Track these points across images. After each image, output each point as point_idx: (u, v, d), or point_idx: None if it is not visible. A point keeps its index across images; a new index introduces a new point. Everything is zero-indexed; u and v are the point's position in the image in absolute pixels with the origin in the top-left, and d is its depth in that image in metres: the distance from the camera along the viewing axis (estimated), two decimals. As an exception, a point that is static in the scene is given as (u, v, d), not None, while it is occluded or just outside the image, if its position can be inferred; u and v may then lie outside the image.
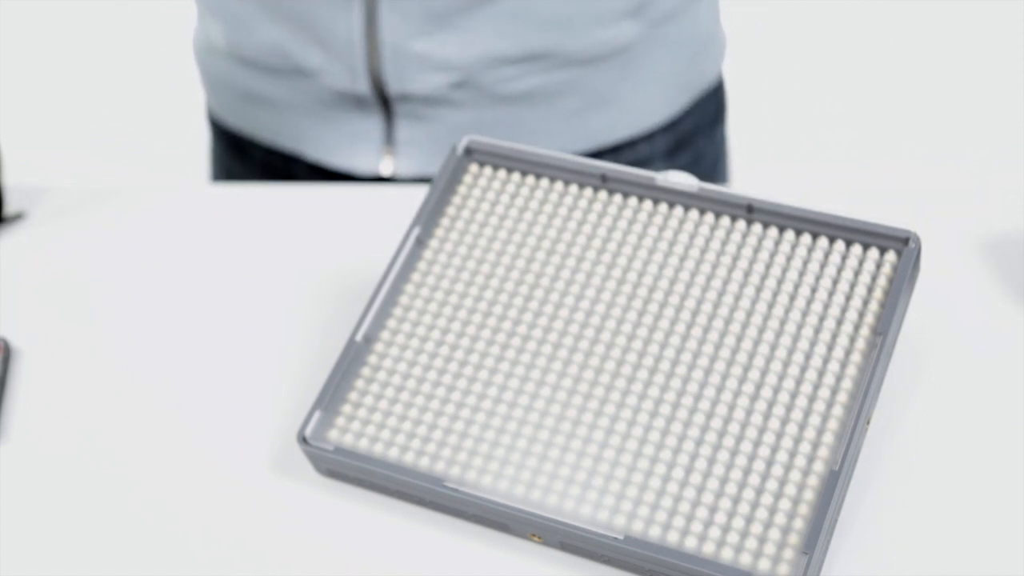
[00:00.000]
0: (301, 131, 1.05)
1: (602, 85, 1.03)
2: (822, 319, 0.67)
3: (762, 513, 0.62)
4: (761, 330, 0.67)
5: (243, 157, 1.12)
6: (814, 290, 0.68)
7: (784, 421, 0.64)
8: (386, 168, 1.04)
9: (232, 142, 1.13)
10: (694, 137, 1.11)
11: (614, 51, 1.01)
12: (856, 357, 0.65)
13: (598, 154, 1.04)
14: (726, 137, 1.18)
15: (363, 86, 0.99)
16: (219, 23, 1.04)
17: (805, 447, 0.63)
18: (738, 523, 0.61)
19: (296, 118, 1.05)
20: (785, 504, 0.62)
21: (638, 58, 1.03)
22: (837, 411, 0.64)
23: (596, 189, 0.73)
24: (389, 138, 1.03)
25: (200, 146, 1.22)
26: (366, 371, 0.70)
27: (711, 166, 1.15)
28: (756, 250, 0.70)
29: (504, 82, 1.00)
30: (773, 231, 0.70)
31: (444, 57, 0.98)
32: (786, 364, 0.66)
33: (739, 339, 0.67)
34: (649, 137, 1.07)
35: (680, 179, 0.72)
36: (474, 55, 0.98)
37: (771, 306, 0.68)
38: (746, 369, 0.66)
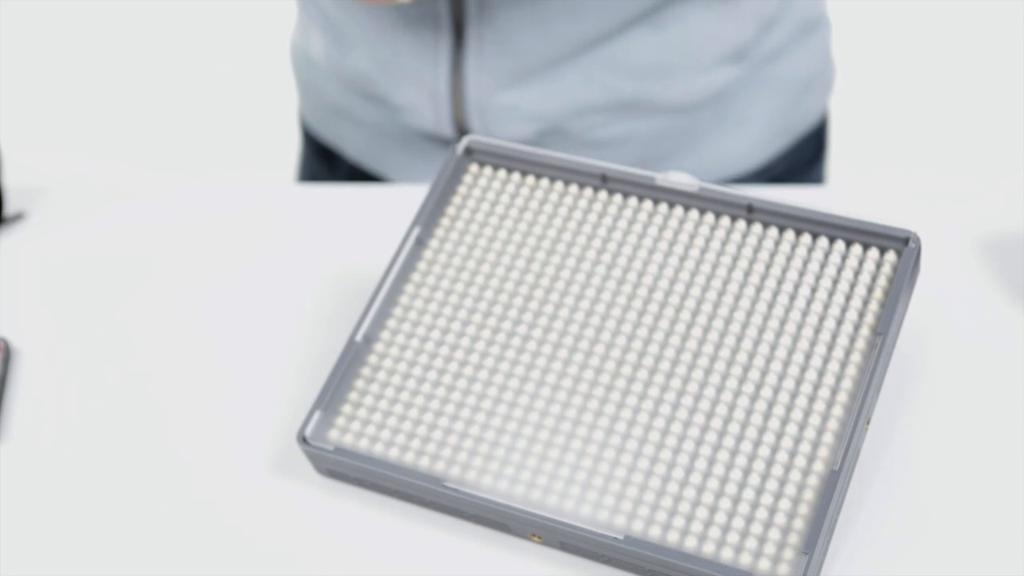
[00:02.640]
0: (388, 155, 1.04)
1: (695, 130, 0.98)
2: (822, 319, 0.67)
3: (762, 513, 0.62)
4: (761, 330, 0.67)
5: (330, 166, 1.11)
6: (814, 290, 0.68)
7: (784, 421, 0.64)
8: None
9: (320, 150, 1.12)
10: (787, 178, 1.05)
11: (710, 97, 0.97)
12: (856, 357, 0.65)
13: None
14: (824, 176, 1.11)
15: (448, 130, 0.98)
16: (320, 37, 1.02)
17: (805, 447, 0.63)
18: (738, 523, 0.61)
19: (384, 142, 1.03)
20: (785, 504, 0.62)
21: (735, 102, 0.98)
22: (837, 411, 0.64)
23: (596, 189, 0.73)
24: None
25: (200, 146, 1.22)
26: (366, 371, 0.70)
27: (811, 166, 1.09)
28: (756, 250, 0.70)
29: (592, 128, 0.97)
30: (773, 231, 0.70)
31: (531, 108, 0.95)
32: (786, 364, 0.66)
33: (739, 339, 0.67)
34: (737, 181, 1.02)
35: (680, 179, 0.72)
36: (562, 105, 0.95)
37: (771, 306, 0.68)
38: (746, 369, 0.66)
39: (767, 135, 1.02)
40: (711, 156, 1.00)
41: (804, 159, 1.07)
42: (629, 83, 0.95)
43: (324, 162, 1.12)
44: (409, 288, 0.72)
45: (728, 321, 0.67)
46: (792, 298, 0.68)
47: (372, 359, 0.70)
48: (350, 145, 1.07)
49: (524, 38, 0.92)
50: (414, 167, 1.03)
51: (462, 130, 0.97)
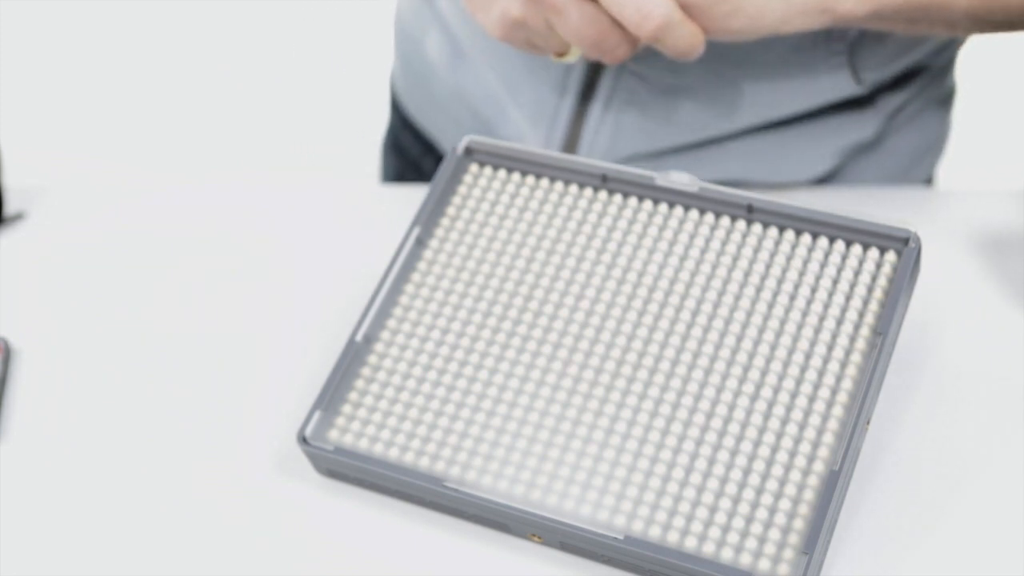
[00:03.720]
0: None
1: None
2: (822, 319, 0.67)
3: (762, 513, 0.62)
4: (761, 330, 0.67)
5: (421, 147, 1.08)
6: (814, 290, 0.68)
7: (784, 421, 0.64)
8: None
9: (414, 132, 1.09)
10: None
11: (819, 177, 0.96)
12: (856, 357, 0.65)
13: None
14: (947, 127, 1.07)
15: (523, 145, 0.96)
16: (440, 36, 0.99)
17: (805, 447, 0.63)
18: (738, 523, 0.61)
19: None
20: (785, 504, 0.62)
21: (842, 172, 0.97)
22: (837, 411, 0.64)
23: (596, 189, 0.73)
24: None
25: (200, 145, 1.22)
26: (366, 371, 0.70)
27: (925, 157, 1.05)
28: (756, 250, 0.70)
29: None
30: (773, 231, 0.70)
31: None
32: (786, 364, 0.66)
33: (739, 339, 0.67)
34: None
35: (680, 179, 0.72)
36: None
37: (771, 306, 0.68)
38: (746, 369, 0.66)
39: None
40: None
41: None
42: (741, 168, 0.94)
43: (419, 146, 1.09)
44: (409, 288, 0.72)
45: (728, 321, 0.67)
46: (792, 298, 0.68)
47: (372, 359, 0.70)
48: (446, 140, 1.05)
49: (644, 125, 0.91)
50: None
51: None
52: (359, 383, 0.70)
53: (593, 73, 0.90)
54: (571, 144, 0.93)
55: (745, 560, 0.60)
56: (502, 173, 0.75)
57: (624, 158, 0.93)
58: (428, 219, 0.74)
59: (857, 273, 0.68)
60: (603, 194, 0.73)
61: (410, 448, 0.67)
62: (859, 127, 0.93)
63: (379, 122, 1.21)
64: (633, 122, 0.91)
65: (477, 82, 0.97)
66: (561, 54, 0.78)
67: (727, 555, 0.61)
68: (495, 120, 0.98)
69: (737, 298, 0.68)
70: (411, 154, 1.11)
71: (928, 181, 1.05)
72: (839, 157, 0.95)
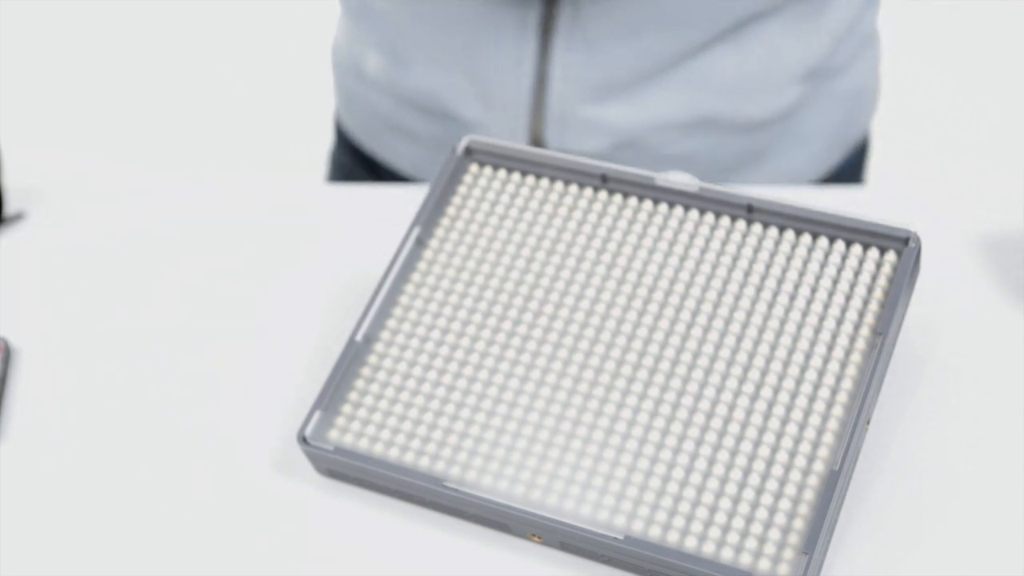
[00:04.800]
0: None
1: (761, 145, 1.00)
2: (822, 319, 0.67)
3: (762, 513, 0.62)
4: (761, 330, 0.67)
5: (376, 178, 1.09)
6: (814, 290, 0.68)
7: (784, 421, 0.64)
8: None
9: (363, 159, 1.10)
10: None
11: (781, 114, 0.99)
12: (856, 357, 0.65)
13: None
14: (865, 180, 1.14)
15: (522, 143, 0.96)
16: (376, 55, 1.01)
17: (805, 447, 0.63)
18: (738, 523, 0.61)
19: (442, 157, 1.02)
20: (785, 504, 0.62)
21: (799, 118, 1.00)
22: (837, 411, 0.64)
23: (596, 189, 0.73)
24: None
25: (201, 145, 1.22)
26: (366, 371, 0.70)
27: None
28: (756, 250, 0.70)
29: (667, 144, 0.97)
30: (773, 231, 0.70)
31: (610, 122, 0.95)
32: (786, 364, 0.66)
33: (739, 339, 0.67)
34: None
35: (680, 179, 0.72)
36: (641, 120, 0.96)
37: (771, 306, 0.68)
38: (746, 369, 0.66)
39: (825, 149, 1.04)
40: (773, 171, 1.02)
41: (853, 171, 1.09)
42: (708, 101, 0.95)
43: (369, 174, 1.10)
44: (409, 288, 0.72)
45: (728, 321, 0.67)
46: (792, 298, 0.68)
47: (372, 359, 0.70)
48: (405, 160, 1.05)
49: (613, 50, 0.92)
50: None
51: (536, 143, 0.97)
52: (359, 383, 0.70)
53: (549, 7, 0.90)
54: (540, 87, 0.93)
55: (745, 560, 0.60)
56: (502, 173, 0.75)
57: (595, 89, 0.93)
58: (428, 219, 0.74)
59: (857, 273, 0.68)
60: (603, 194, 0.73)
61: (410, 448, 0.67)
62: (810, 47, 0.96)
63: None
64: (598, 51, 0.91)
65: (428, 80, 0.97)
66: None
67: (727, 555, 0.61)
68: (453, 110, 0.98)
69: (737, 298, 0.68)
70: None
71: (867, 129, 1.10)
72: (799, 83, 0.97)
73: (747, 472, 0.63)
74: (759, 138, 1.00)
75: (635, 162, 0.97)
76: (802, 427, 0.64)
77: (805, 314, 0.67)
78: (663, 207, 0.72)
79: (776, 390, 0.65)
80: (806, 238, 0.69)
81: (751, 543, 0.61)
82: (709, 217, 0.71)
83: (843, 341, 0.66)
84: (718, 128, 0.98)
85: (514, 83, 0.94)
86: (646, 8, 0.90)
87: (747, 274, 0.69)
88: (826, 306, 0.67)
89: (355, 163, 1.11)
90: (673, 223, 0.71)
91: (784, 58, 0.96)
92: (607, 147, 0.97)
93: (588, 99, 0.94)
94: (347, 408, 0.69)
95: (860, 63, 1.03)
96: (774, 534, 0.61)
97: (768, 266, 0.69)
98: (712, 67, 0.94)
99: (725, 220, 0.71)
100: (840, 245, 0.68)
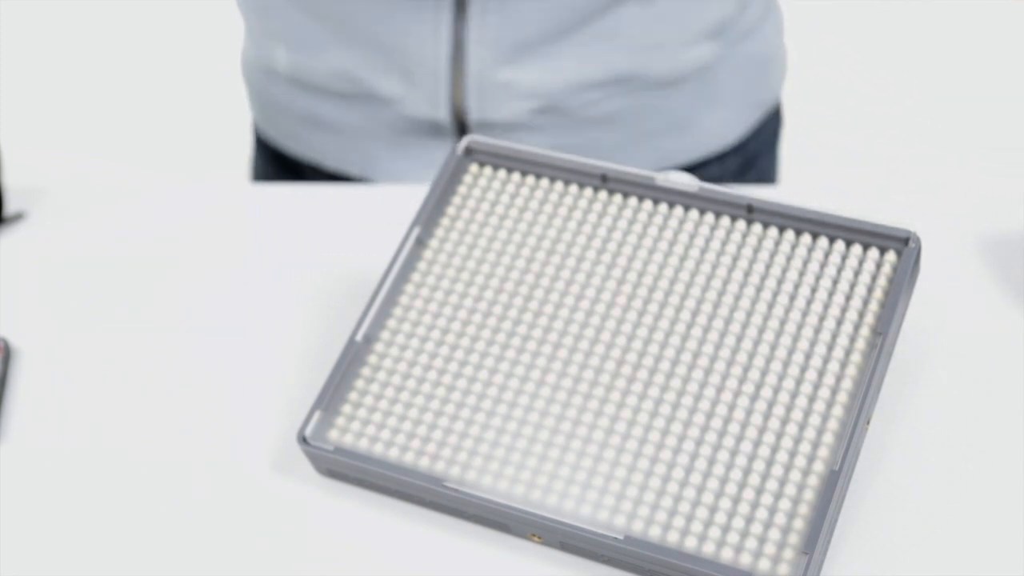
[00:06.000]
0: (371, 157, 1.03)
1: (680, 107, 1.03)
2: (822, 319, 0.67)
3: (762, 513, 0.62)
4: (761, 330, 0.67)
5: (297, 179, 1.10)
6: (814, 290, 0.68)
7: (784, 421, 0.64)
8: None
9: (285, 164, 1.10)
10: (758, 156, 1.11)
11: (694, 72, 1.01)
12: (856, 357, 0.65)
13: None
14: (779, 154, 1.18)
15: (443, 114, 0.97)
16: (281, 46, 1.01)
17: (805, 447, 0.63)
18: (738, 523, 0.61)
19: (365, 144, 1.03)
20: (785, 504, 0.62)
21: (715, 78, 1.03)
22: (837, 411, 0.64)
23: (596, 189, 0.73)
24: None
25: (200, 146, 1.22)
26: (366, 371, 0.70)
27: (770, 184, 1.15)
28: (756, 250, 0.70)
29: (587, 106, 0.99)
30: (773, 231, 0.70)
31: (531, 85, 0.96)
32: (786, 364, 0.66)
33: (739, 339, 0.67)
34: (720, 158, 1.07)
35: (680, 179, 0.72)
36: (561, 81, 0.97)
37: (771, 306, 0.68)
38: (746, 369, 0.66)
39: (743, 110, 1.08)
40: (695, 133, 1.05)
41: (770, 135, 1.13)
42: (622, 57, 0.97)
43: (290, 176, 1.10)
44: (409, 288, 0.72)
45: (728, 321, 0.67)
46: (792, 298, 0.68)
47: (372, 359, 0.70)
48: (327, 155, 1.06)
49: (525, 10, 0.93)
50: (402, 165, 1.02)
51: (458, 112, 0.97)
52: (359, 383, 0.70)
53: None
54: (458, 53, 0.94)
55: (745, 560, 0.60)
56: (502, 173, 0.75)
57: (511, 51, 0.94)
58: (428, 219, 0.74)
59: (857, 273, 0.68)
60: (603, 194, 0.73)
61: (410, 448, 0.67)
62: (715, 4, 0.99)
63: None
64: (512, 11, 0.93)
65: (342, 60, 0.98)
66: None
67: (727, 555, 0.61)
68: (371, 87, 0.98)
69: (737, 298, 0.68)
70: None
71: (779, 97, 1.14)
72: (708, 40, 1.00)
73: (747, 472, 0.63)
74: (676, 99, 1.02)
75: (557, 126, 0.99)
76: (802, 427, 0.64)
77: (805, 314, 0.67)
78: (663, 207, 0.72)
79: (776, 390, 0.65)
80: (806, 238, 0.69)
81: (751, 543, 0.61)
82: (709, 217, 0.71)
83: (843, 341, 0.66)
84: (634, 87, 1.00)
85: (432, 51, 0.95)
86: None
87: (747, 274, 0.69)
88: (826, 306, 0.67)
89: (277, 171, 1.12)
90: (673, 223, 0.71)
91: (690, 15, 0.99)
92: (529, 111, 0.98)
93: (505, 61, 0.95)
94: (347, 408, 0.69)
95: (767, 27, 1.07)
96: (774, 534, 0.61)
97: (768, 266, 0.69)
98: (620, 24, 0.96)
99: (725, 220, 0.71)
100: (840, 245, 0.68)
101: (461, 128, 0.98)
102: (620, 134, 1.01)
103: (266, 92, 1.07)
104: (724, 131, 1.07)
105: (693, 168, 1.05)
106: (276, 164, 1.12)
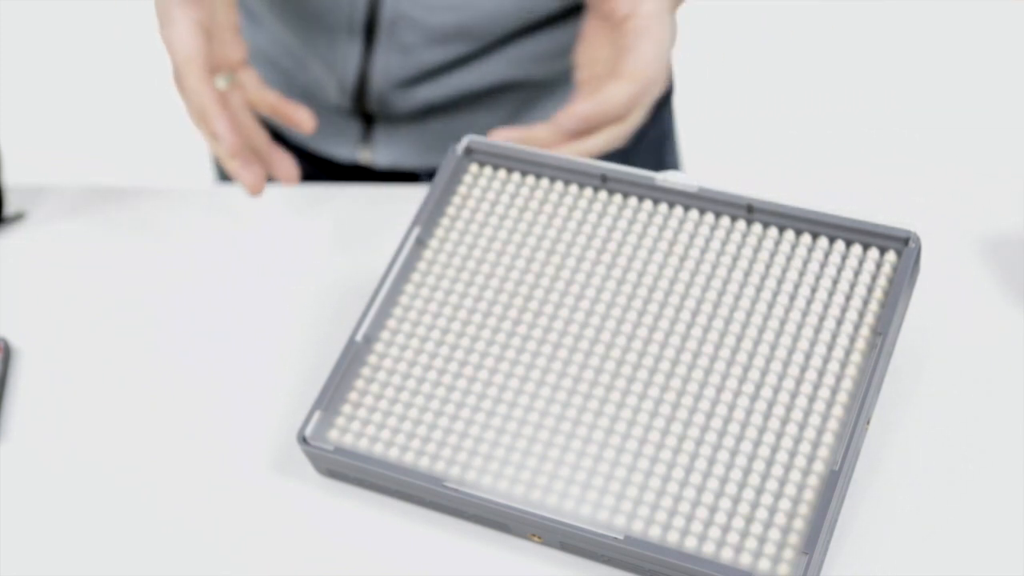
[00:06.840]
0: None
1: (564, 99, 1.05)
2: (822, 319, 0.67)
3: (762, 513, 0.62)
4: (761, 330, 0.67)
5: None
6: (814, 290, 0.68)
7: (784, 421, 0.64)
8: (364, 158, 1.07)
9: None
10: (647, 130, 1.12)
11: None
12: (856, 357, 0.65)
13: None
14: (673, 119, 1.19)
15: (347, 104, 1.03)
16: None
17: (805, 447, 0.63)
18: (738, 523, 0.61)
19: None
20: (785, 504, 0.62)
21: None
22: (837, 411, 0.64)
23: (596, 189, 0.73)
24: (367, 137, 1.06)
25: (200, 146, 1.22)
26: (366, 371, 0.70)
27: (656, 146, 1.16)
28: (756, 250, 0.70)
29: (481, 98, 1.05)
30: (773, 231, 0.70)
31: (425, 98, 1.02)
32: (786, 364, 0.66)
33: (739, 339, 0.67)
34: None
35: (680, 179, 0.72)
36: (458, 92, 1.03)
37: (771, 306, 0.68)
38: (746, 369, 0.66)
39: None
40: (564, 96, 1.07)
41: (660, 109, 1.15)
42: (513, 70, 1.02)
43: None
44: (409, 288, 0.72)
45: (728, 321, 0.67)
46: (792, 298, 0.68)
47: (372, 359, 0.70)
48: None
49: (426, 56, 0.99)
50: (322, 133, 1.07)
51: (362, 106, 1.03)
52: (359, 383, 0.70)
53: (372, 10, 0.97)
54: (366, 63, 0.99)
55: (745, 560, 0.60)
56: (502, 173, 0.75)
57: (414, 75, 1.00)
58: (428, 219, 0.74)
59: (857, 273, 0.68)
60: (603, 194, 0.73)
61: (410, 448, 0.67)
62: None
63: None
64: (414, 43, 0.98)
65: (273, 41, 1.04)
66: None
67: (727, 555, 0.61)
68: (294, 71, 1.05)
69: (737, 298, 0.68)
70: None
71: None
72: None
73: (747, 472, 0.63)
74: (561, 93, 1.06)
75: (452, 112, 1.04)
76: (802, 427, 0.64)
77: (805, 314, 0.67)
78: (663, 207, 0.72)
79: (776, 390, 0.65)
80: (806, 238, 0.69)
81: (751, 543, 0.61)
82: (709, 217, 0.71)
83: (843, 341, 0.66)
84: (519, 89, 1.05)
85: (342, 68, 1.01)
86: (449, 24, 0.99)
87: (747, 274, 0.69)
88: (826, 306, 0.67)
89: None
90: (673, 223, 0.71)
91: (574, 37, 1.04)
92: (426, 106, 1.04)
93: (406, 84, 1.01)
94: (347, 408, 0.69)
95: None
96: (774, 534, 0.61)
97: (768, 266, 0.69)
98: (511, 50, 1.01)
99: (725, 220, 0.71)
100: (840, 245, 0.68)
101: (366, 114, 1.05)
102: (498, 109, 1.05)
103: None
104: None
105: None
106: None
